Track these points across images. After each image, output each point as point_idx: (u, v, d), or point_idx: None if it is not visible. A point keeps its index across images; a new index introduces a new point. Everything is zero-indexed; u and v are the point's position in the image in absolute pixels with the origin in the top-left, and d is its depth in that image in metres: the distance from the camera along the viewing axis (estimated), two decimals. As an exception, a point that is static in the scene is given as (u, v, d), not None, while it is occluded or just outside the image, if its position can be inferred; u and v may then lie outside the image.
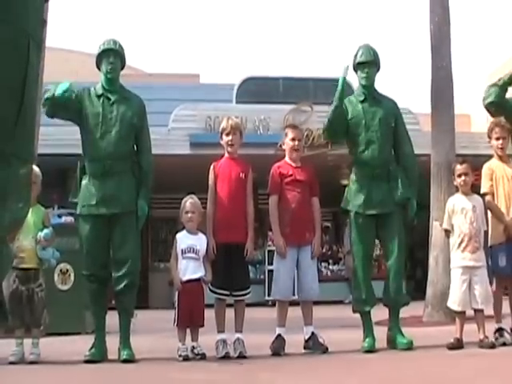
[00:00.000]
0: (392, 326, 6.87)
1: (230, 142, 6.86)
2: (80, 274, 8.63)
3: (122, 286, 6.51)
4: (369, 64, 7.08)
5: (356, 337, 6.90)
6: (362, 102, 7.07)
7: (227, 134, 6.87)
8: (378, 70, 7.21)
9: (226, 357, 6.37)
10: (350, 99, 7.16)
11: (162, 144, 16.37)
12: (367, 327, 6.81)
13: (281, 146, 14.87)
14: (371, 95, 7.11)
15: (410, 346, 6.60)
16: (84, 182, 6.65)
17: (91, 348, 6.43)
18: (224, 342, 6.49)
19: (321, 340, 6.68)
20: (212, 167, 6.88)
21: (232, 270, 6.63)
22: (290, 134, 7.12)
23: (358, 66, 7.12)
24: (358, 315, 6.99)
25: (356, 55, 7.14)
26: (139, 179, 6.71)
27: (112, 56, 6.75)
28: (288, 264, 6.86)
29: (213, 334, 6.57)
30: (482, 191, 7.03)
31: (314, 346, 6.67)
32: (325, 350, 6.60)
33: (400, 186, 6.87)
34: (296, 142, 7.05)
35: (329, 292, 15.99)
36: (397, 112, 7.18)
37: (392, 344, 6.76)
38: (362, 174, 6.93)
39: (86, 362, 6.27)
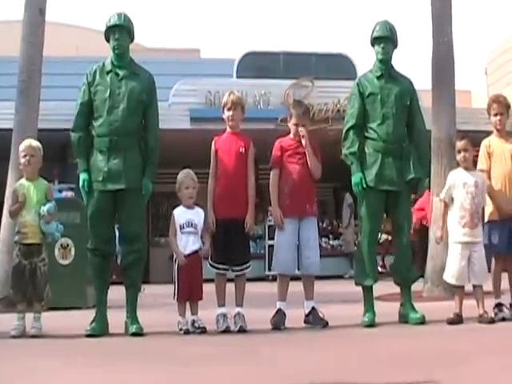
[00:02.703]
0: (404, 302, 6.91)
1: (230, 117, 6.85)
2: (81, 249, 8.72)
3: (129, 260, 6.63)
4: (385, 39, 7.06)
5: (356, 312, 6.93)
6: (378, 77, 7.06)
7: (228, 109, 6.86)
8: (395, 46, 7.17)
9: (227, 331, 6.41)
10: (366, 76, 7.18)
11: (162, 119, 16.22)
12: (368, 302, 6.83)
13: (281, 120, 14.94)
14: (388, 71, 7.09)
15: (422, 321, 6.65)
16: (92, 157, 6.68)
17: (92, 322, 6.47)
18: (224, 316, 6.53)
19: (321, 315, 6.70)
20: (213, 142, 6.89)
21: (232, 244, 6.64)
22: (294, 118, 7.07)
23: (374, 41, 7.12)
24: (358, 290, 7.02)
25: (373, 30, 7.14)
26: (145, 156, 6.74)
27: (117, 32, 6.75)
28: (288, 237, 6.87)
29: (213, 309, 6.61)
30: (478, 167, 7.04)
31: (314, 320, 6.69)
32: (325, 325, 6.63)
33: (411, 167, 6.91)
34: (299, 128, 6.99)
35: (329, 267, 16.03)
36: (412, 90, 7.18)
37: (404, 319, 6.81)
38: (375, 149, 6.94)
39: (87, 336, 6.31)
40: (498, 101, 7.15)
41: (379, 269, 19.03)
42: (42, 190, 6.68)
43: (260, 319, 6.72)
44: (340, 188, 19.28)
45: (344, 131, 7.07)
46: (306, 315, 6.77)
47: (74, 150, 6.82)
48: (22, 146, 6.81)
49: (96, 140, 6.67)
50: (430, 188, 10.05)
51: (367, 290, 6.91)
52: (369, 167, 6.91)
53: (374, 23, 7.19)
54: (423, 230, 13.42)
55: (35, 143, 6.87)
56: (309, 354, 5.17)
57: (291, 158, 6.93)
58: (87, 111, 6.73)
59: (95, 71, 6.78)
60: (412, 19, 79.38)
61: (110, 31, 6.78)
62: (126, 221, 6.68)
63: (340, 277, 17.11)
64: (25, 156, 6.71)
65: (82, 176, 6.66)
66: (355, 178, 6.89)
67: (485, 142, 7.10)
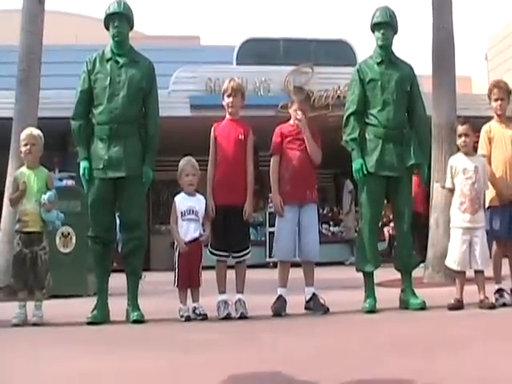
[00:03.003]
0: (405, 288, 6.93)
1: (230, 104, 6.85)
2: (82, 237, 8.73)
3: (130, 247, 6.64)
4: (385, 25, 7.04)
5: (357, 298, 6.94)
6: (378, 63, 7.05)
7: (228, 96, 6.85)
8: (396, 32, 7.16)
9: (228, 317, 6.43)
10: (366, 62, 7.16)
11: (162, 106, 16.27)
12: (369, 288, 6.85)
13: (281, 107, 14.94)
14: (388, 57, 7.08)
15: (422, 307, 6.66)
16: (92, 145, 6.69)
17: (93, 310, 6.49)
18: (225, 302, 6.54)
19: (322, 301, 6.71)
20: (212, 129, 6.88)
21: (231, 231, 6.65)
22: (295, 105, 7.05)
23: (374, 27, 7.11)
24: (358, 276, 7.03)
25: (373, 16, 7.13)
26: (145, 143, 6.75)
27: (117, 20, 6.75)
28: (289, 224, 6.87)
29: (214, 296, 6.62)
30: (478, 153, 7.03)
31: (314, 306, 6.71)
32: (326, 311, 6.64)
33: (412, 152, 6.92)
34: (299, 115, 6.98)
35: (330, 253, 16.06)
36: (413, 76, 7.17)
37: (405, 305, 6.82)
38: (376, 135, 6.93)
39: (88, 323, 6.33)
40: (499, 86, 7.14)
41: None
42: (43, 179, 6.69)
43: (261, 306, 6.73)
44: (340, 174, 19.31)
45: (345, 117, 7.06)
46: (307, 301, 6.77)
47: (74, 138, 6.82)
48: (23, 135, 6.82)
49: (96, 128, 6.67)
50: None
51: (368, 276, 6.92)
52: (369, 153, 6.90)
53: (374, 9, 7.18)
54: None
55: (36, 132, 6.87)
56: (310, 340, 5.18)
57: (291, 144, 6.92)
58: (87, 99, 6.74)
59: (95, 59, 6.78)
60: (412, 4, 79.11)
61: (110, 19, 6.77)
62: (126, 208, 6.69)
63: (341, 263, 17.14)
64: (26, 145, 6.71)
65: (83, 164, 6.67)
66: (356, 164, 6.89)
67: (485, 128, 7.10)
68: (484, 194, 6.95)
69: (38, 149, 6.75)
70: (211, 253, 6.69)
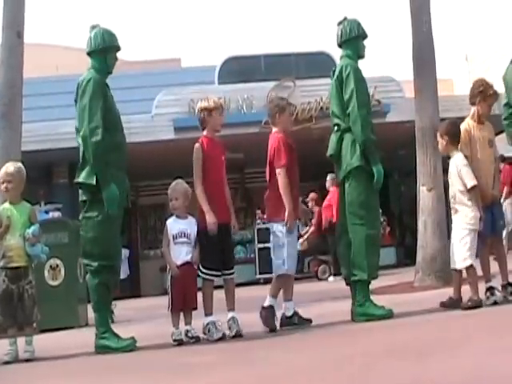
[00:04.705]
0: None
1: (220, 122, 6.84)
2: (70, 268, 8.73)
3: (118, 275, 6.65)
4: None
5: (346, 308, 6.91)
6: None
7: (220, 114, 6.84)
8: None
9: (223, 337, 6.35)
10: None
11: (146, 131, 16.45)
12: (368, 294, 6.78)
13: (265, 123, 14.96)
14: None
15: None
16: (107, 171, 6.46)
17: (121, 340, 6.37)
18: (214, 324, 6.42)
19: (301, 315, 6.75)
20: (199, 146, 6.70)
21: (224, 249, 6.61)
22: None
23: (363, 39, 7.17)
24: (345, 287, 6.97)
25: (360, 27, 7.12)
26: None
27: (116, 53, 6.75)
28: (295, 238, 6.90)
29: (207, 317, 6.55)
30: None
31: (299, 321, 6.72)
32: (311, 322, 6.69)
33: None
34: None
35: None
36: None
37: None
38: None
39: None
40: (493, 87, 7.14)
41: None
42: (26, 213, 6.64)
43: (254, 323, 6.67)
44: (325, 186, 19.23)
45: (363, 117, 6.75)
46: (288, 317, 6.76)
47: (93, 156, 6.32)
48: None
49: (113, 156, 6.49)
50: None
51: (368, 284, 6.85)
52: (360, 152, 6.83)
53: (354, 20, 7.18)
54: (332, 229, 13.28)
55: (12, 168, 6.75)
56: (307, 353, 5.18)
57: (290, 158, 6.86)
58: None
59: (105, 83, 6.61)
60: (391, 10, 79.54)
61: (111, 50, 6.70)
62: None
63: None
64: (3, 183, 6.66)
65: (114, 188, 6.36)
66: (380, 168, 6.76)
67: (465, 127, 7.01)
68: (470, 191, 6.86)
69: (16, 184, 6.65)
70: (204, 273, 6.56)
